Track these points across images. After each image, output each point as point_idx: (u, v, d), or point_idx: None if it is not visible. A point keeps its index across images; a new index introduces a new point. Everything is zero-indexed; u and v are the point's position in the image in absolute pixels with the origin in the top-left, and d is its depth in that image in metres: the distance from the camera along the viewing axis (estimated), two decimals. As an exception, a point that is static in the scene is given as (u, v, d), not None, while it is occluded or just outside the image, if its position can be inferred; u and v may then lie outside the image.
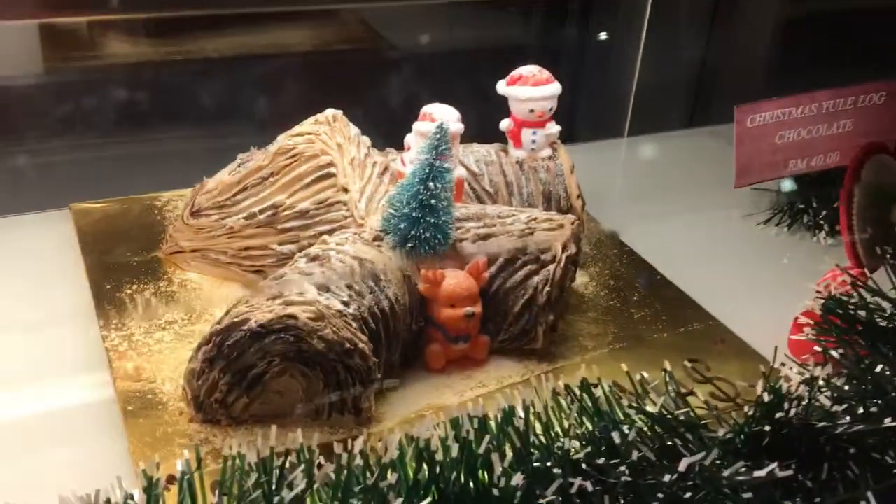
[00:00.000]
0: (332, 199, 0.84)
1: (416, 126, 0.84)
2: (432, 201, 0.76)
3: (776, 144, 0.78)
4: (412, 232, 0.77)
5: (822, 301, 0.79)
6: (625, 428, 0.64)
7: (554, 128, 0.94)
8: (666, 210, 1.15)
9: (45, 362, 0.80)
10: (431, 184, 0.76)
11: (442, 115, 0.83)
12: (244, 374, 0.70)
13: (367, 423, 0.73)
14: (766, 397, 0.62)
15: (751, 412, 0.63)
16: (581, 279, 0.94)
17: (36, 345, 0.82)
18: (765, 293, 0.97)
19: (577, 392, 0.69)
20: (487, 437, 0.58)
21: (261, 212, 0.86)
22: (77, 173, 1.11)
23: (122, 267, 0.91)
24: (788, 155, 0.79)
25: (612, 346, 0.85)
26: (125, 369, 0.77)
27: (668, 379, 0.73)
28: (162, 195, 1.04)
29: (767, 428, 0.60)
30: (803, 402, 0.63)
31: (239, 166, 0.89)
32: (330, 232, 0.83)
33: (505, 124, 0.94)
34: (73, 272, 0.91)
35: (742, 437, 0.64)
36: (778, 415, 0.61)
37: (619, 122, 1.37)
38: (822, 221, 1.06)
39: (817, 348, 0.78)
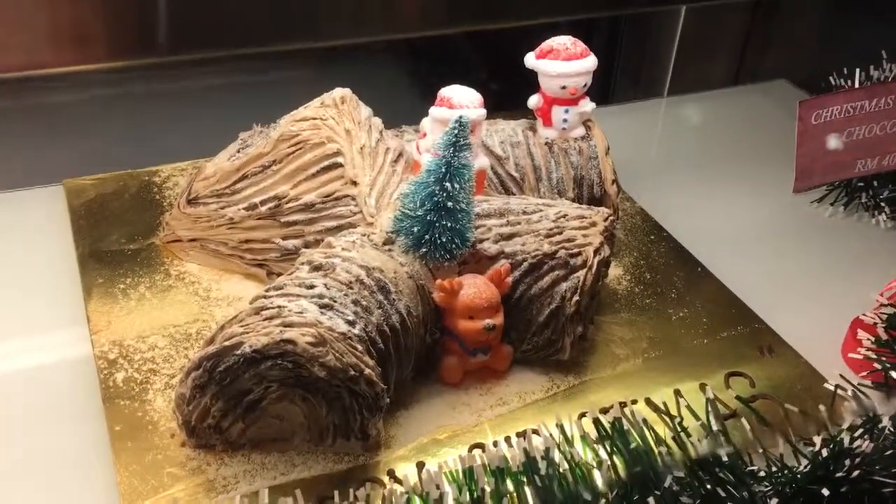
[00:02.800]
0: (339, 192, 0.76)
1: (433, 111, 0.75)
2: (449, 203, 0.68)
3: (843, 142, 0.68)
4: (426, 236, 0.70)
5: (886, 316, 0.70)
6: (662, 475, 0.57)
7: (588, 105, 0.85)
8: (708, 184, 1.06)
9: (29, 369, 0.74)
10: (448, 184, 0.68)
11: (461, 100, 0.74)
12: (239, 399, 0.64)
13: (375, 449, 0.67)
14: (824, 452, 0.55)
15: (806, 468, 0.55)
16: (614, 272, 0.86)
17: (18, 352, 0.76)
18: (817, 289, 0.89)
19: (607, 427, 0.62)
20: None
21: (262, 203, 0.78)
22: (71, 143, 1.03)
23: (116, 256, 0.84)
24: (857, 154, 0.69)
25: (646, 354, 0.78)
26: (115, 381, 0.71)
27: (708, 409, 0.65)
28: (161, 169, 0.97)
29: (826, 492, 0.52)
30: (865, 453, 0.56)
31: (239, 150, 0.81)
32: (337, 228, 0.76)
33: (533, 101, 0.85)
34: (64, 262, 0.84)
35: (795, 486, 0.57)
36: (838, 474, 0.54)
37: (658, 81, 1.26)
38: (882, 203, 0.96)
39: (877, 366, 0.70)
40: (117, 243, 0.86)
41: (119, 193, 0.92)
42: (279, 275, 0.77)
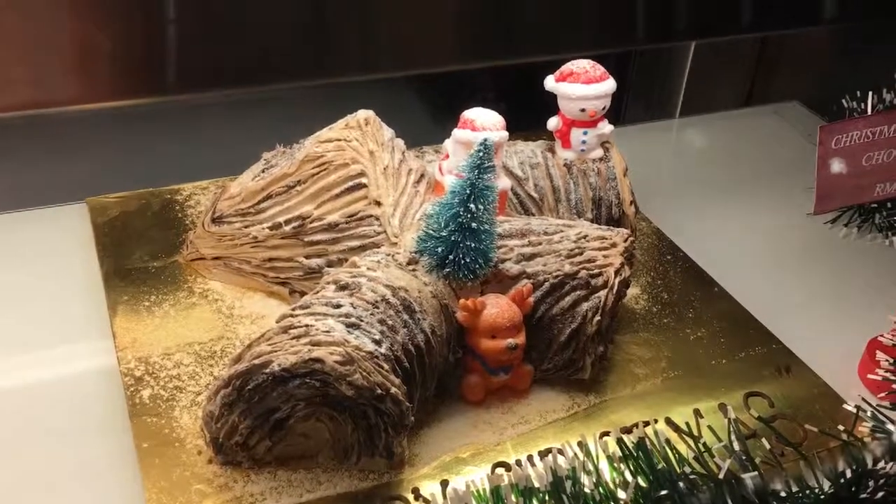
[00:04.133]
0: (363, 212, 0.77)
1: (456, 133, 0.76)
2: (473, 224, 0.69)
3: (863, 166, 0.69)
4: (450, 256, 0.71)
5: (904, 337, 0.71)
6: (686, 496, 0.58)
7: (606, 127, 0.86)
8: (721, 205, 1.07)
9: (56, 386, 0.75)
10: (473, 206, 0.69)
11: (484, 122, 0.75)
12: (266, 417, 0.64)
13: (399, 467, 0.68)
14: (847, 473, 0.55)
15: (830, 489, 0.56)
16: (632, 291, 0.87)
17: (45, 368, 0.77)
18: (833, 309, 0.90)
19: (630, 447, 0.62)
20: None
21: (286, 222, 0.79)
22: (94, 161, 1.04)
23: (140, 273, 0.85)
24: (876, 178, 0.71)
25: (665, 374, 0.79)
26: (141, 398, 0.72)
27: (731, 429, 0.66)
28: (183, 188, 0.98)
29: (851, 513, 0.53)
30: (889, 474, 0.57)
31: (263, 170, 0.82)
32: (361, 248, 0.77)
33: (553, 123, 0.86)
34: (88, 279, 0.85)
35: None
36: (862, 496, 0.54)
37: (670, 102, 1.27)
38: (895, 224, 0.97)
39: (896, 387, 0.71)
40: (141, 261, 0.87)
41: (142, 211, 0.94)
42: (302, 293, 0.79)
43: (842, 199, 0.71)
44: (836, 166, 0.68)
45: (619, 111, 1.32)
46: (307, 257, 0.79)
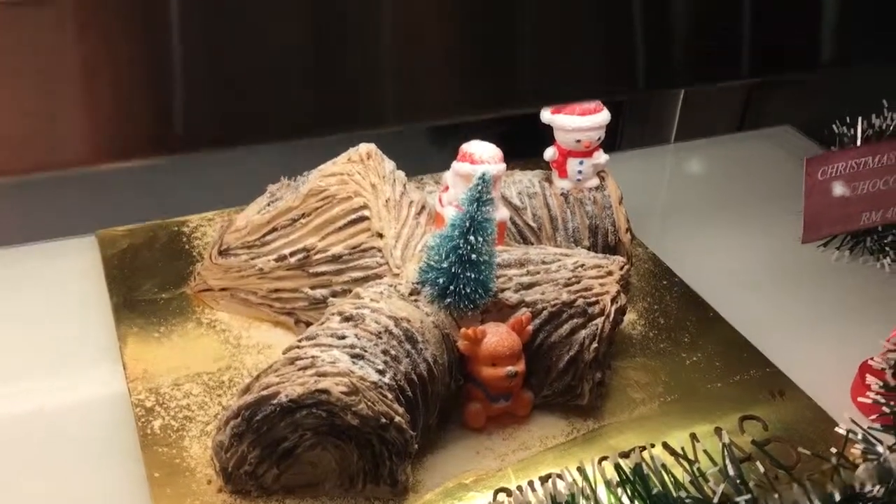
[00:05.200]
0: (366, 244, 0.79)
1: (455, 166, 0.79)
2: (472, 255, 0.72)
3: (849, 197, 0.72)
4: (451, 287, 0.73)
5: (894, 361, 0.73)
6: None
7: (602, 157, 0.89)
8: (716, 229, 1.09)
9: (69, 416, 0.77)
10: (472, 237, 0.71)
11: (482, 156, 0.78)
12: (274, 447, 0.66)
13: (403, 494, 0.70)
14: (837, 496, 0.57)
15: (821, 512, 0.58)
16: (628, 317, 0.89)
17: (58, 396, 0.79)
18: (826, 332, 0.91)
19: (627, 472, 0.64)
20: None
21: (291, 254, 0.82)
22: (103, 194, 1.06)
23: (149, 305, 0.87)
24: (861, 207, 0.73)
25: (662, 398, 0.80)
26: (152, 428, 0.74)
27: (725, 453, 0.68)
28: (190, 219, 1.00)
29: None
30: (877, 497, 0.58)
31: (269, 204, 0.85)
32: (364, 279, 0.79)
33: (549, 154, 0.89)
34: (99, 311, 0.87)
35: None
36: (852, 518, 0.56)
37: (665, 127, 1.30)
38: (886, 247, 0.99)
39: (886, 410, 0.73)
40: (150, 293, 0.89)
41: (150, 244, 0.96)
42: (307, 323, 0.81)
43: (829, 227, 0.74)
44: (823, 197, 0.70)
45: (615, 137, 1.34)
46: (312, 288, 0.81)
